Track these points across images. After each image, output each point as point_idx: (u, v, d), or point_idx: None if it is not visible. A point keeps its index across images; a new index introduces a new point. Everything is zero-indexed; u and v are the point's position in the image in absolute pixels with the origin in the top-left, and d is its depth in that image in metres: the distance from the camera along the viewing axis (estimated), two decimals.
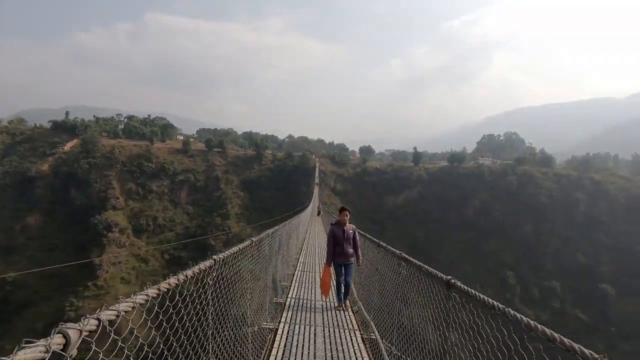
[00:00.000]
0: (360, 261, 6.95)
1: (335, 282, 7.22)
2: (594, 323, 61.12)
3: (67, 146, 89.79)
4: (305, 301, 7.51)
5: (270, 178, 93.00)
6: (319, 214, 36.08)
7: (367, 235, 7.59)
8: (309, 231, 21.79)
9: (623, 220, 77.56)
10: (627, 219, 77.30)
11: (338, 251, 6.78)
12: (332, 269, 7.09)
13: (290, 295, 7.80)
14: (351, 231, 6.87)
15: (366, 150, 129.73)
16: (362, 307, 7.09)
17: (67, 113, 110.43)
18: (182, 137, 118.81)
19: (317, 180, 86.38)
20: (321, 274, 7.38)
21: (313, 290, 8.47)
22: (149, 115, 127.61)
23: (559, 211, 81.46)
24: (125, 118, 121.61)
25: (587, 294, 65.89)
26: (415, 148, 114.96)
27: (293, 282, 9.14)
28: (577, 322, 60.83)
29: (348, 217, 6.89)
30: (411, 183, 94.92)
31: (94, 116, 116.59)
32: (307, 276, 10.20)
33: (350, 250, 6.83)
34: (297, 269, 10.94)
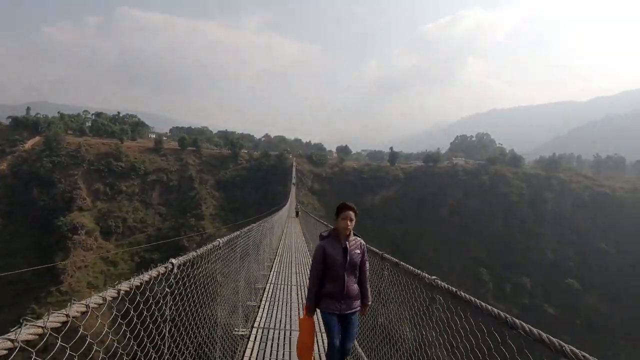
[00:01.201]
0: (367, 303, 3.71)
1: (326, 348, 3.99)
2: (561, 317, 63.61)
3: (29, 144, 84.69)
4: (277, 332, 5.54)
5: (247, 178, 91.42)
6: (297, 214, 35.07)
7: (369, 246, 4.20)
8: (285, 233, 21.09)
9: (586, 217, 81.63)
10: (590, 216, 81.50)
11: (332, 289, 3.48)
12: (316, 319, 3.75)
13: (257, 324, 5.86)
14: (358, 250, 3.58)
15: (343, 150, 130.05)
16: (357, 343, 5.18)
17: (28, 109, 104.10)
18: (154, 136, 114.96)
19: (294, 180, 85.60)
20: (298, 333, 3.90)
21: (289, 315, 6.53)
22: (119, 113, 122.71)
23: (529, 209, 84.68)
24: (92, 115, 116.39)
25: (555, 289, 68.61)
26: (391, 148, 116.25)
27: (263, 301, 7.25)
28: (546, 316, 63.07)
29: (353, 222, 3.54)
30: (388, 182, 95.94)
31: (58, 112, 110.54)
32: (282, 292, 8.24)
33: (355, 288, 3.56)
34: (270, 281, 9.09)
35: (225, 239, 4.49)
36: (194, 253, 3.13)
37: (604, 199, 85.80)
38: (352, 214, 3.52)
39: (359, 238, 3.68)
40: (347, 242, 3.54)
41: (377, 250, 4.27)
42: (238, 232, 5.52)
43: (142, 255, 64.92)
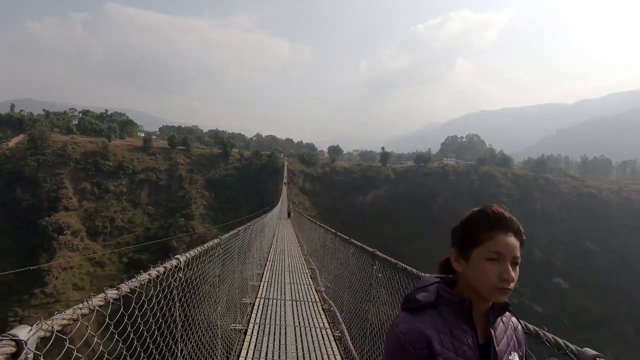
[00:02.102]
0: None
1: None
2: (550, 315, 64.32)
3: (12, 142, 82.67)
4: None
5: (237, 177, 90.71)
6: (289, 215, 34.21)
7: None
8: (276, 235, 20.60)
9: (574, 217, 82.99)
10: (577, 216, 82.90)
11: None
12: None
13: None
14: (517, 355, 1.16)
15: (335, 150, 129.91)
16: (351, 345, 4.44)
17: (12, 106, 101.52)
18: (143, 134, 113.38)
19: (285, 180, 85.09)
20: None
21: (282, 345, 5.23)
22: (106, 111, 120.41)
23: (518, 209, 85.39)
24: (79, 113, 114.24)
25: (543, 288, 69.43)
26: (383, 148, 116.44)
27: (251, 324, 5.93)
28: (535, 315, 63.75)
29: (518, 267, 1.13)
30: (379, 182, 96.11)
31: (44, 110, 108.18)
32: (275, 310, 6.98)
33: None
34: (259, 295, 7.93)
35: (190, 254, 2.82)
36: (97, 301, 1.38)
37: (591, 199, 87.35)
38: (515, 242, 1.14)
39: (512, 316, 1.30)
40: (492, 328, 1.18)
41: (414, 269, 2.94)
42: (217, 240, 4.14)
43: (131, 256, 63.83)
